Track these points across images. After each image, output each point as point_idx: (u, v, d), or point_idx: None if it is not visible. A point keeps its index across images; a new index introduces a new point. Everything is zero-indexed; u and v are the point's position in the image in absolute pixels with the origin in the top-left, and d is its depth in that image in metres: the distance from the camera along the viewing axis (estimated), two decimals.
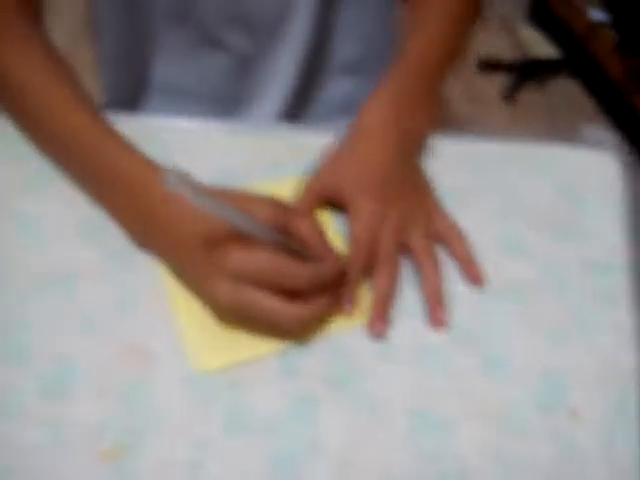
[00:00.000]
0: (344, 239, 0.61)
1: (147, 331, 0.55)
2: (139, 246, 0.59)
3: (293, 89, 0.81)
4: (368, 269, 0.58)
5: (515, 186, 0.66)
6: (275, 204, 0.54)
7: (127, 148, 0.58)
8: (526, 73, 1.99)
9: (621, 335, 0.57)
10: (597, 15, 1.88)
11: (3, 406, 0.51)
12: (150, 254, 0.58)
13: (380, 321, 0.56)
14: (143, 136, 0.64)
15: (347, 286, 0.57)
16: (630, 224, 0.64)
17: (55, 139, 0.61)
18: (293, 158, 0.66)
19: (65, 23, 1.90)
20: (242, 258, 0.51)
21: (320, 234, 0.56)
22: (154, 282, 0.57)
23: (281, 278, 0.51)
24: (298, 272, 0.52)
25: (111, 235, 0.59)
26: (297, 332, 0.55)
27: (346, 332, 0.56)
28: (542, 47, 2.06)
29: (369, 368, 0.55)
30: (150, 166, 0.57)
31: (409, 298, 0.58)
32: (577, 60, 2.00)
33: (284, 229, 0.54)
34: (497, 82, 2.00)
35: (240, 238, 0.52)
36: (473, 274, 0.59)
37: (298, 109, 0.84)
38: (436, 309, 0.57)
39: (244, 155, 0.66)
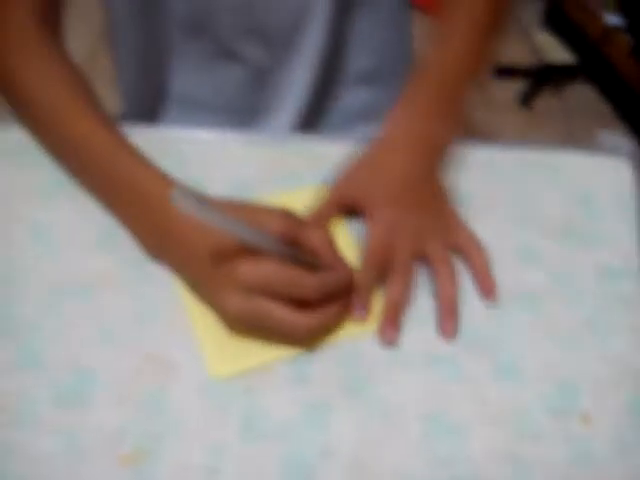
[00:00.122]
0: (358, 249, 0.61)
1: (165, 340, 0.56)
2: (153, 258, 0.59)
3: (308, 100, 0.82)
4: (382, 276, 0.59)
5: (530, 193, 0.66)
6: (286, 215, 0.54)
7: (142, 161, 0.59)
8: (542, 78, 1.98)
9: (635, 339, 0.58)
10: (612, 20, 1.87)
11: (17, 414, 0.52)
12: (164, 266, 0.59)
13: (390, 328, 0.56)
14: (161, 147, 0.65)
15: (360, 292, 0.58)
16: None
17: (70, 150, 0.62)
18: (309, 168, 0.67)
19: (83, 35, 1.92)
20: (251, 270, 0.52)
21: (330, 244, 0.56)
22: (171, 291, 0.58)
23: (289, 288, 0.52)
24: (306, 282, 0.52)
25: (127, 244, 0.60)
26: (307, 341, 0.55)
27: (359, 338, 0.57)
28: (558, 52, 2.06)
29: (382, 374, 0.55)
30: (165, 180, 0.57)
31: (422, 305, 0.59)
32: (593, 65, 1.99)
33: (295, 240, 0.54)
34: (513, 88, 2.00)
35: (248, 251, 0.52)
36: (487, 288, 0.59)
37: (313, 119, 0.85)
38: (446, 319, 0.57)
39: (261, 166, 0.67)
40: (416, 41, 0.91)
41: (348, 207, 0.63)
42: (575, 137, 1.86)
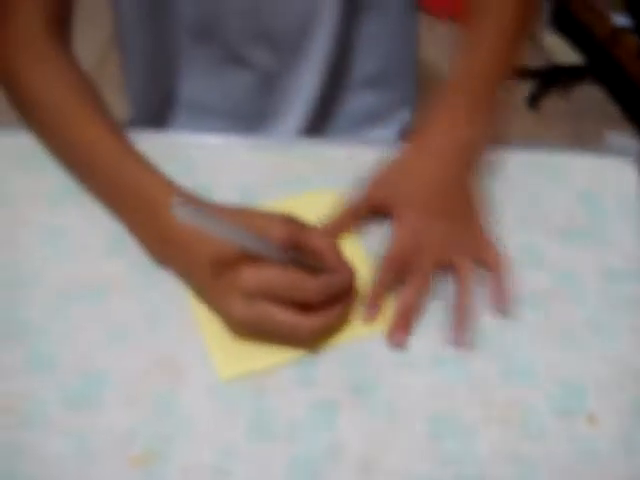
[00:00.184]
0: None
1: (173, 343, 0.56)
2: (158, 264, 0.60)
3: (315, 104, 0.82)
4: (399, 280, 0.59)
5: (534, 194, 0.66)
6: (287, 220, 0.55)
7: (148, 168, 0.59)
8: (549, 80, 1.98)
9: (639, 340, 0.58)
10: (620, 20, 1.87)
11: (28, 416, 0.53)
12: (170, 271, 0.60)
13: (401, 331, 0.57)
14: (168, 152, 0.66)
15: (374, 293, 0.58)
16: None
17: (76, 155, 0.63)
18: (316, 172, 0.67)
19: (92, 40, 1.93)
20: (252, 276, 0.52)
21: (334, 247, 0.57)
22: (179, 295, 0.59)
23: (291, 291, 0.52)
24: (308, 285, 0.53)
25: (135, 249, 0.60)
26: (311, 342, 0.56)
27: (366, 339, 0.57)
28: (565, 53, 2.06)
29: (388, 375, 0.55)
30: (170, 187, 0.58)
31: (428, 306, 0.59)
32: (600, 66, 1.99)
33: (298, 245, 0.54)
34: (521, 89, 1.99)
35: (248, 258, 0.53)
36: (502, 307, 0.59)
37: (320, 124, 0.85)
38: (458, 329, 0.57)
39: (268, 170, 0.67)
40: (421, 43, 0.91)
41: (376, 209, 0.63)
42: (583, 138, 1.86)
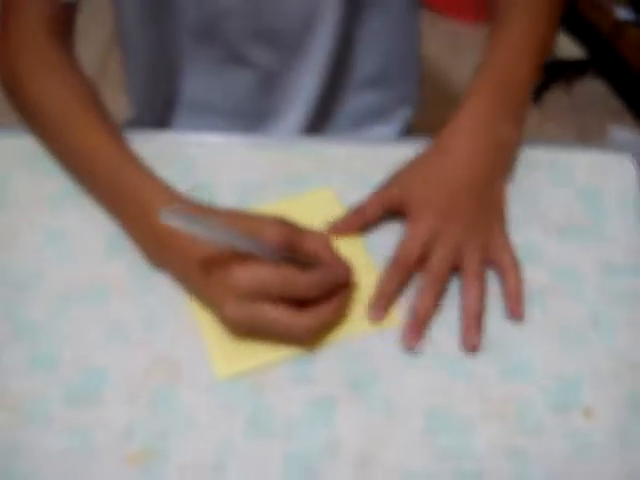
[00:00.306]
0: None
1: (172, 341, 0.57)
2: (155, 267, 0.60)
3: (316, 103, 0.82)
4: (407, 282, 0.59)
5: (533, 190, 0.66)
6: (281, 223, 0.54)
7: (146, 173, 0.59)
8: (553, 74, 1.98)
9: (636, 335, 0.58)
10: (623, 14, 1.86)
11: (30, 414, 0.53)
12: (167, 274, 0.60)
13: (414, 335, 0.57)
14: (169, 151, 0.67)
15: (381, 294, 0.58)
16: None
17: (76, 160, 0.63)
18: (317, 170, 0.67)
19: (95, 39, 1.94)
20: (244, 276, 0.52)
21: (330, 247, 0.57)
22: (178, 295, 0.59)
23: (284, 288, 0.52)
24: (300, 280, 0.53)
25: (135, 251, 0.61)
26: (307, 340, 0.56)
27: (364, 336, 0.58)
28: (568, 47, 2.05)
29: (386, 371, 0.56)
30: (168, 192, 0.58)
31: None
32: (604, 60, 1.98)
33: (293, 248, 0.54)
34: None
35: (237, 257, 0.53)
36: (516, 312, 0.59)
37: (320, 122, 0.85)
38: (469, 333, 0.57)
39: (268, 168, 0.67)
40: (422, 39, 0.91)
41: (394, 208, 0.63)
42: (586, 132, 1.85)
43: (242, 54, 0.79)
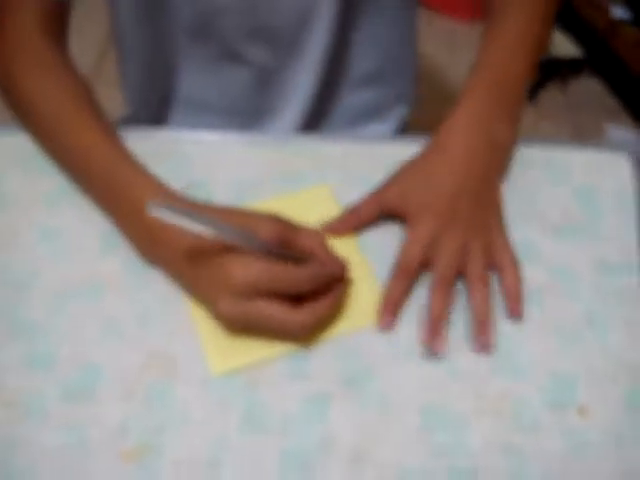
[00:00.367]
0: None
1: (168, 337, 0.57)
2: (149, 264, 0.60)
3: (312, 101, 0.82)
4: (412, 287, 0.59)
5: (529, 189, 0.66)
6: (276, 220, 0.55)
7: (140, 171, 0.59)
8: (548, 72, 1.98)
9: (632, 334, 0.58)
10: (619, 12, 1.86)
11: (26, 410, 0.54)
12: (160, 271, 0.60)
13: (437, 340, 0.56)
14: (164, 149, 0.67)
15: (388, 301, 0.58)
16: None
17: (71, 159, 0.63)
18: (313, 168, 0.67)
19: (91, 37, 1.93)
20: (239, 272, 0.52)
21: (324, 245, 0.57)
22: (173, 291, 0.59)
23: (278, 283, 0.52)
24: (294, 275, 0.53)
25: (130, 248, 0.61)
26: (303, 336, 0.56)
27: (359, 332, 0.58)
28: (564, 46, 2.05)
29: (381, 368, 0.56)
30: (160, 189, 0.58)
31: (421, 298, 0.59)
32: (599, 58, 1.99)
33: (288, 245, 0.54)
34: None
35: (228, 249, 0.53)
36: (515, 311, 0.59)
37: (316, 120, 0.85)
38: (481, 335, 0.57)
39: (264, 166, 0.67)
40: (419, 37, 0.91)
41: (391, 211, 0.63)
42: (582, 131, 1.86)
43: (238, 52, 0.79)
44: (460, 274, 0.60)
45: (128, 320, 0.58)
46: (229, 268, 0.52)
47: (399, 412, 0.54)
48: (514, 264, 0.60)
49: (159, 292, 0.59)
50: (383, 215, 0.63)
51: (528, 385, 0.56)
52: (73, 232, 0.63)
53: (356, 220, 0.63)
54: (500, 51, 0.67)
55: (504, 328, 0.58)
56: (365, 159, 0.68)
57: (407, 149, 0.66)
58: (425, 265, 0.60)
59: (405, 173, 0.63)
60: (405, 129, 0.93)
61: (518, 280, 0.60)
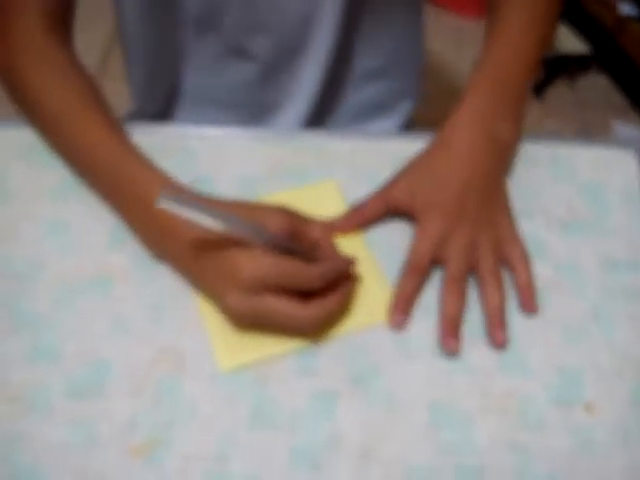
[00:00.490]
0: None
1: (176, 333, 0.57)
2: (157, 258, 0.60)
3: (317, 96, 0.82)
4: (423, 282, 0.59)
5: (536, 186, 0.66)
6: (284, 212, 0.55)
7: (146, 165, 0.59)
8: (556, 69, 1.98)
9: (638, 329, 0.58)
10: (626, 9, 1.86)
11: (32, 405, 0.54)
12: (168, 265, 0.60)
13: (452, 340, 0.56)
14: (170, 144, 0.67)
15: (400, 299, 0.58)
16: None
17: (77, 155, 0.63)
18: (317, 164, 0.67)
19: (97, 33, 1.93)
20: (248, 266, 0.52)
21: (331, 241, 0.57)
22: (182, 286, 0.59)
23: (288, 279, 0.52)
24: (304, 272, 0.53)
25: (139, 242, 0.61)
26: (311, 332, 0.56)
27: (367, 330, 0.58)
28: (571, 42, 2.05)
29: (388, 365, 0.56)
30: (169, 183, 0.58)
31: (428, 295, 0.59)
32: (607, 55, 1.98)
33: (296, 236, 0.54)
34: None
35: (236, 242, 0.53)
36: (529, 306, 0.59)
37: (321, 115, 0.85)
38: (496, 329, 0.57)
39: (269, 162, 0.67)
40: (426, 33, 0.90)
41: (398, 209, 0.62)
42: (589, 128, 1.85)
43: (243, 47, 0.79)
44: (471, 270, 0.60)
45: (136, 315, 0.58)
46: (237, 262, 0.52)
47: (406, 410, 0.54)
48: (524, 258, 0.60)
49: (167, 287, 0.59)
50: (389, 212, 0.63)
51: (534, 382, 0.55)
52: (80, 226, 0.63)
53: (362, 218, 0.63)
54: (503, 49, 0.67)
55: (510, 325, 0.58)
56: (372, 155, 0.68)
57: (414, 145, 0.65)
58: (435, 262, 0.60)
59: (410, 170, 0.63)
60: (412, 125, 0.93)
61: (530, 274, 0.60)
